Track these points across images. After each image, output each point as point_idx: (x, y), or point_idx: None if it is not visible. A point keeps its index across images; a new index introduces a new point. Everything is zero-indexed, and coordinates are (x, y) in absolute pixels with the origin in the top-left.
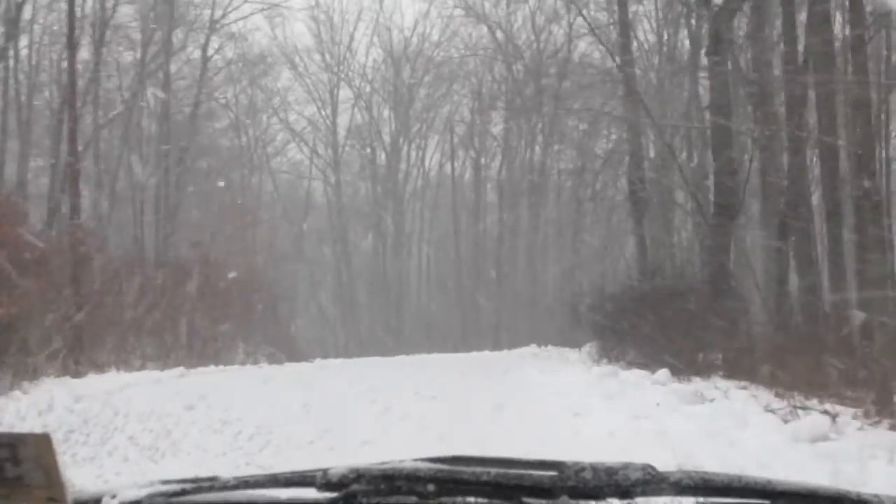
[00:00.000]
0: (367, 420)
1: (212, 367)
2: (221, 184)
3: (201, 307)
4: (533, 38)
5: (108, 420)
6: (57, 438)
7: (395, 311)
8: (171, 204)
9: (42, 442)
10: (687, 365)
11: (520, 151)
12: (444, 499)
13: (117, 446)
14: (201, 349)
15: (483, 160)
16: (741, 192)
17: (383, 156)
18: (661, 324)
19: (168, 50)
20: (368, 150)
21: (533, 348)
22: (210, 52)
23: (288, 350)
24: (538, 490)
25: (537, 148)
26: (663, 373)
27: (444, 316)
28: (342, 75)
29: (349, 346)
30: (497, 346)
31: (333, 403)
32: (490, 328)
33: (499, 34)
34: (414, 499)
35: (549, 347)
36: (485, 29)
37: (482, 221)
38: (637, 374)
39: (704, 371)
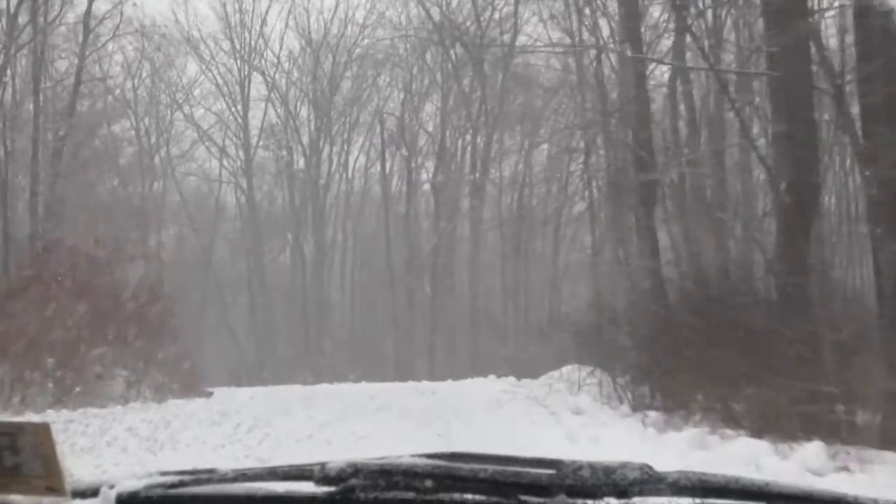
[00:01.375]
0: None
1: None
2: (115, 183)
3: (72, 325)
4: (473, 18)
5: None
6: (56, 428)
7: (315, 332)
8: (45, 201)
9: (41, 431)
10: (803, 423)
11: (459, 149)
12: (441, 495)
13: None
14: (71, 379)
15: (416, 160)
16: (821, 169)
17: (301, 159)
18: (726, 354)
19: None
20: (284, 151)
21: (495, 382)
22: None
23: (184, 379)
24: (536, 488)
25: (480, 142)
26: (814, 448)
27: (371, 338)
28: (254, 64)
29: (264, 373)
30: (434, 373)
31: None
32: (425, 351)
33: (434, 12)
34: (411, 494)
35: (510, 379)
36: (417, 8)
37: (415, 230)
38: (749, 446)
39: (833, 433)
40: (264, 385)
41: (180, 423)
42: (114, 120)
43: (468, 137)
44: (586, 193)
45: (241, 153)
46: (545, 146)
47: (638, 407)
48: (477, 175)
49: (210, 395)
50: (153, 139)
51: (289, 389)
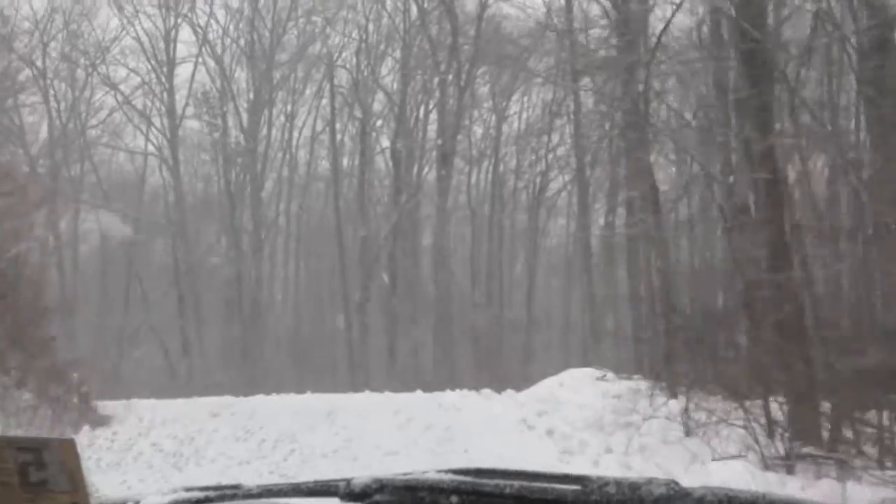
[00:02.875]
0: None
1: None
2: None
3: None
4: None
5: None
6: (82, 443)
7: (253, 332)
8: None
9: (66, 447)
10: None
11: (422, 111)
12: None
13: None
14: None
15: (372, 125)
16: None
17: (238, 130)
18: None
19: None
20: (218, 120)
21: (491, 400)
22: None
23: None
24: (562, 503)
25: (450, 102)
26: None
27: (320, 338)
28: (181, 13)
29: (192, 381)
30: (394, 380)
31: None
32: (383, 353)
33: None
34: None
35: (511, 395)
36: None
37: (371, 210)
38: None
39: None
40: (189, 397)
41: None
42: (19, 84)
43: (436, 96)
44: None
45: (165, 121)
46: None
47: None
48: (444, 141)
49: (104, 422)
50: (64, 105)
51: (214, 404)
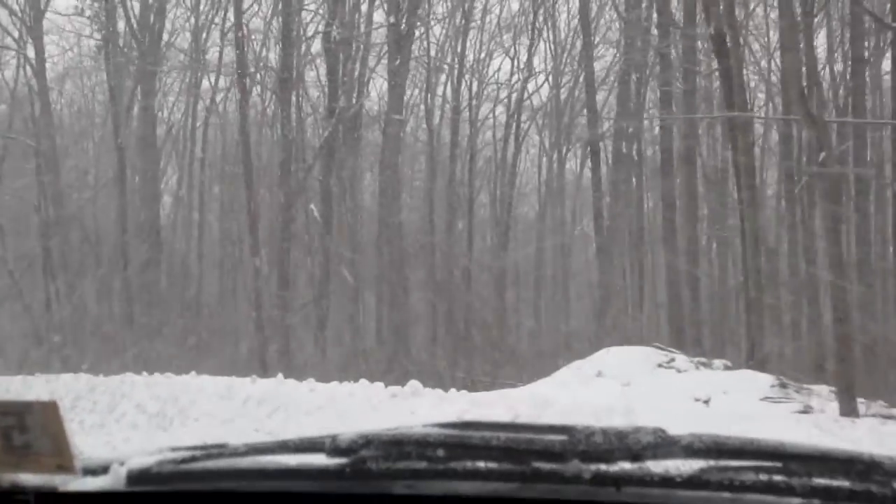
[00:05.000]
0: None
1: None
2: None
3: None
4: None
5: None
6: (64, 406)
7: (137, 288)
8: None
9: (49, 409)
10: None
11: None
12: (453, 464)
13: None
14: None
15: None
16: None
17: (125, 23)
18: None
19: None
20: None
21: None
22: None
23: None
24: (549, 454)
25: None
26: None
27: (224, 294)
28: None
29: (67, 346)
30: (325, 356)
31: None
32: (311, 320)
33: None
34: (424, 464)
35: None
36: None
37: (297, 117)
38: None
39: None
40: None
41: None
42: None
43: None
44: None
45: (27, 6)
46: None
47: None
48: (397, 20)
49: None
50: None
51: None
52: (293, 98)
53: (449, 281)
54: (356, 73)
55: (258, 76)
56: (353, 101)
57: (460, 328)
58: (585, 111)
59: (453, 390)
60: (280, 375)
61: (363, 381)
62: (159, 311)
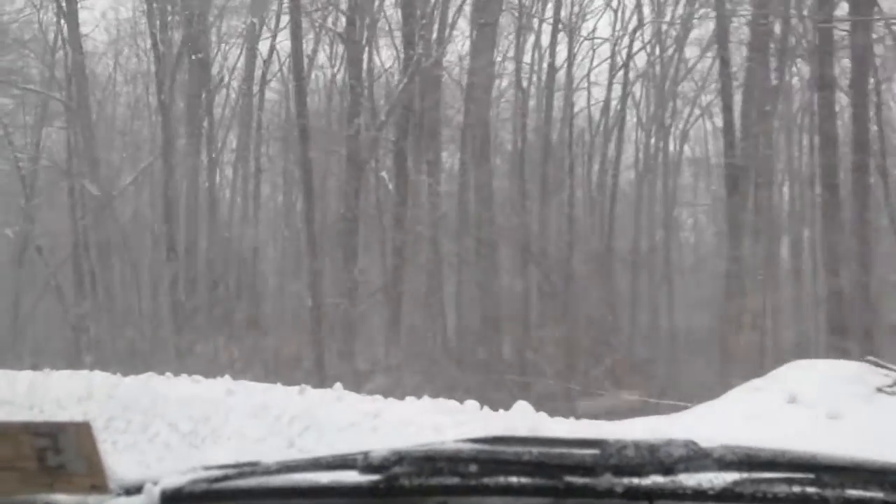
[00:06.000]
0: None
1: None
2: None
3: None
4: None
5: None
6: (97, 426)
7: (191, 272)
8: None
9: (82, 430)
10: None
11: None
12: (486, 479)
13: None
14: None
15: None
16: None
17: None
18: None
19: None
20: None
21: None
22: None
23: None
24: (581, 469)
25: None
26: None
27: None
28: None
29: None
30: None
31: None
32: (378, 311)
33: None
34: (456, 480)
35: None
36: None
37: (370, 90)
38: None
39: None
40: None
41: None
42: None
43: None
44: None
45: None
46: None
47: None
48: None
49: None
50: None
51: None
52: (363, 45)
53: (549, 265)
54: (437, 16)
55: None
56: (433, 49)
57: (569, 325)
58: (718, 63)
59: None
60: (338, 385)
61: (448, 402)
62: (205, 300)
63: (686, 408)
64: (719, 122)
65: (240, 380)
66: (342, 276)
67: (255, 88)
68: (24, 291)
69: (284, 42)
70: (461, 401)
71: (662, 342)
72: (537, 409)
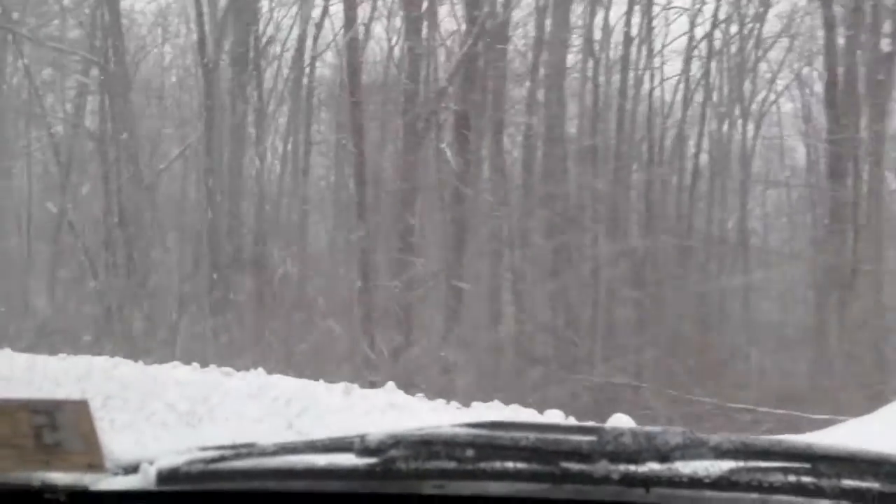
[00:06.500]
0: None
1: None
2: None
3: None
4: None
5: None
6: (94, 405)
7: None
8: None
9: (80, 408)
10: None
11: None
12: (482, 464)
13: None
14: None
15: None
16: None
17: None
18: None
19: None
20: None
21: None
22: None
23: None
24: (577, 455)
25: None
26: None
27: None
28: None
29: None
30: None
31: None
32: (444, 295)
33: None
34: (453, 464)
35: None
36: None
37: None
38: None
39: None
40: None
41: None
42: None
43: None
44: None
45: None
46: None
47: None
48: None
49: None
50: None
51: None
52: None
53: (633, 248)
54: None
55: None
56: (500, 9)
57: (666, 320)
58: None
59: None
60: (391, 384)
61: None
62: (243, 283)
63: (834, 422)
64: (799, 103)
65: (273, 374)
66: (396, 257)
67: (307, 59)
68: (59, 268)
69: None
70: (540, 410)
71: (761, 341)
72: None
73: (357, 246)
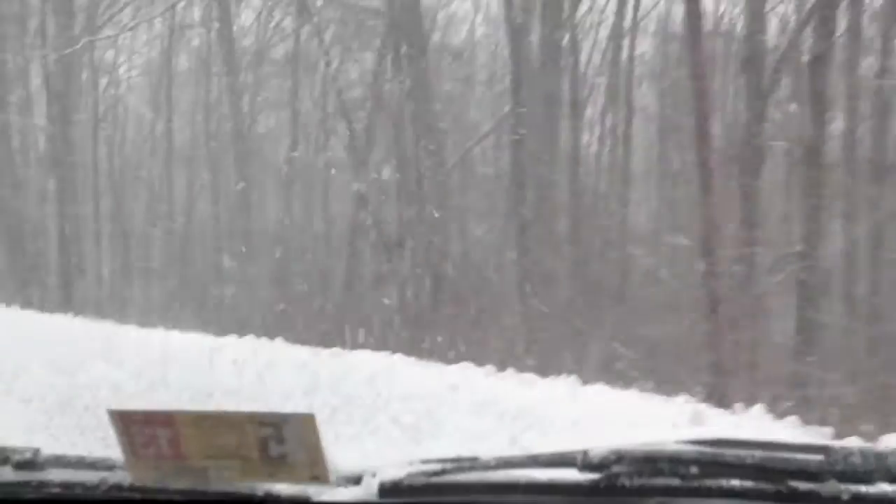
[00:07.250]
0: None
1: None
2: None
3: None
4: None
5: None
6: (321, 418)
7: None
8: None
9: (306, 422)
10: None
11: None
12: (707, 481)
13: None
14: None
15: None
16: None
17: None
18: None
19: None
20: None
21: None
22: None
23: None
24: (805, 474)
25: None
26: None
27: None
28: None
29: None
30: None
31: None
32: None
33: None
34: (677, 481)
35: None
36: None
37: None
38: None
39: None
40: None
41: None
42: None
43: None
44: None
45: None
46: None
47: None
48: None
49: None
50: None
51: None
52: None
53: None
54: None
55: None
56: None
57: None
58: None
59: None
60: (757, 407)
61: None
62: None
63: None
64: None
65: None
66: (736, 236)
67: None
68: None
69: None
70: None
71: None
72: None
73: (699, 221)
